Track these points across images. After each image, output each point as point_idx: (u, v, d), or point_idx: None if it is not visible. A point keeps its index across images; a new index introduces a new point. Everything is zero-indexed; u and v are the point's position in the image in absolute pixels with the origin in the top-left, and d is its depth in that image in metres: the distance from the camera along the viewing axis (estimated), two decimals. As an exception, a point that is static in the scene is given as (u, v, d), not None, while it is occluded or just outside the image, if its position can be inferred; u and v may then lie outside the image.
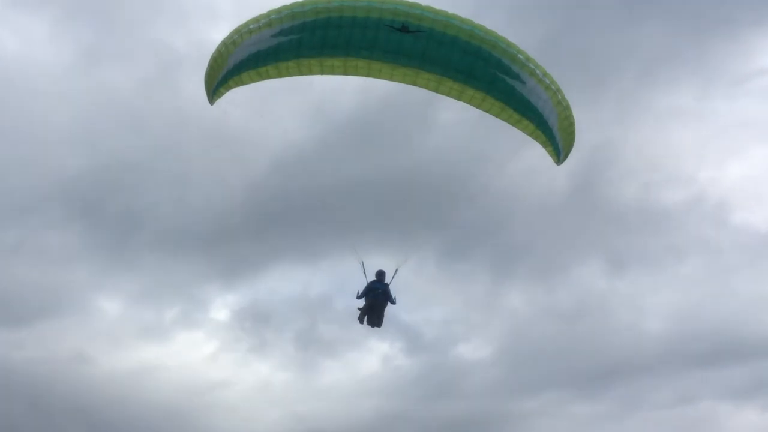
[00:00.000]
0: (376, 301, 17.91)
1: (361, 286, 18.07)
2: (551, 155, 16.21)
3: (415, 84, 15.29)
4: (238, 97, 16.08)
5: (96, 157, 45.72)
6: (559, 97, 15.27)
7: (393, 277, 17.96)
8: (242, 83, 16.29)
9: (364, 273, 17.96)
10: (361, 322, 18.17)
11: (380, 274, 18.10)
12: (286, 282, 50.49)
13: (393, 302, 18.10)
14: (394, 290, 18.21)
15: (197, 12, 49.28)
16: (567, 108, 15.48)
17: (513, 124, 15.42)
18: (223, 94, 16.73)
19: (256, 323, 47.15)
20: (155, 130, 44.70)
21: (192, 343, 48.15)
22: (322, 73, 15.41)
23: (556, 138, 15.64)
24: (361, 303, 18.11)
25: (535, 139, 15.78)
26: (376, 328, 18.28)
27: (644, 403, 44.59)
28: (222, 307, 50.35)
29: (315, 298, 49.37)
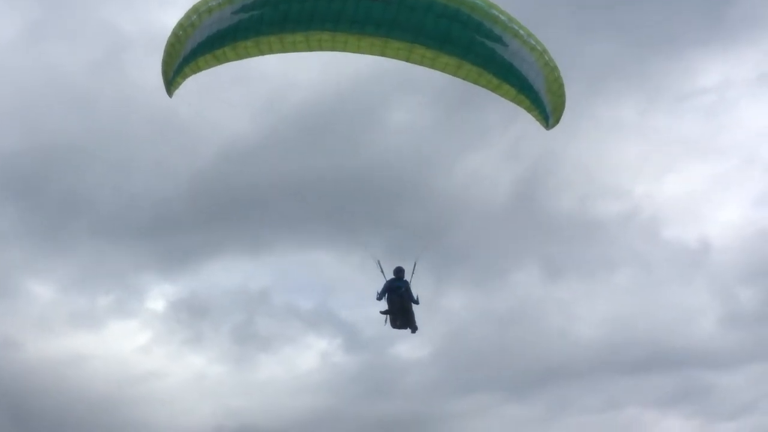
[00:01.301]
0: (398, 302, 16.66)
1: (379, 286, 16.85)
2: (539, 120, 15.16)
3: (383, 54, 14.27)
4: (188, 85, 15.56)
5: (36, 136, 44.23)
6: (546, 58, 14.28)
7: (413, 273, 16.74)
8: (199, 69, 15.15)
9: (382, 272, 16.80)
10: (394, 326, 16.86)
11: (399, 272, 16.85)
12: (226, 274, 49.93)
13: (416, 302, 16.80)
14: (414, 287, 16.92)
15: (148, -8, 48.41)
16: (555, 69, 14.51)
17: (492, 90, 14.42)
18: (180, 83, 15.59)
19: (192, 315, 46.47)
20: (100, 112, 43.56)
21: (125, 332, 47.14)
22: (283, 51, 14.44)
23: (544, 101, 14.64)
24: (383, 305, 16.81)
25: (519, 104, 14.75)
26: (409, 331, 16.97)
27: (573, 407, 45.90)
28: (158, 297, 49.38)
29: (254, 292, 49.04)
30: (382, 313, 16.82)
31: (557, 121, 15.32)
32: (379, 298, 16.77)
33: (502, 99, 14.69)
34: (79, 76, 44.45)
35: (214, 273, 50.02)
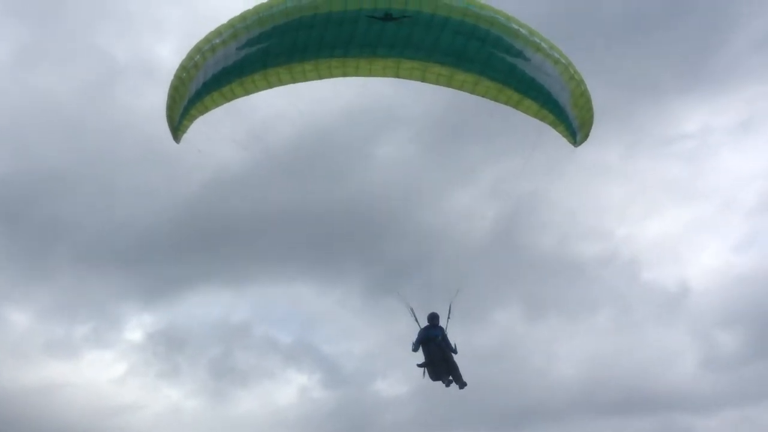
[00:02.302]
0: (437, 353, 15.08)
1: (414, 336, 15.32)
2: (565, 137, 14.26)
3: (396, 76, 13.59)
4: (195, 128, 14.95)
5: (21, 160, 43.91)
6: (572, 71, 13.42)
7: (448, 318, 15.23)
8: (206, 110, 14.43)
9: (416, 320, 15.33)
10: (436, 379, 15.20)
11: (433, 318, 15.30)
12: (206, 306, 49.42)
13: (454, 351, 15.20)
14: (451, 334, 15.30)
15: (144, 21, 48.54)
16: (581, 82, 13.62)
17: (513, 106, 13.70)
18: (188, 127, 14.71)
19: (170, 347, 45.75)
20: (87, 139, 43.45)
21: (102, 362, 46.42)
22: (292, 81, 13.78)
23: (569, 116, 13.77)
24: (420, 357, 15.26)
25: (542, 120, 13.94)
26: (456, 386, 15.27)
27: (549, 447, 45.66)
28: (137, 327, 48.67)
29: (234, 325, 48.56)
30: (420, 366, 15.23)
31: (585, 137, 14.37)
32: (415, 349, 15.19)
33: (524, 117, 14.03)
34: (67, 101, 44.43)
35: (194, 304, 49.56)
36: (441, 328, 15.23)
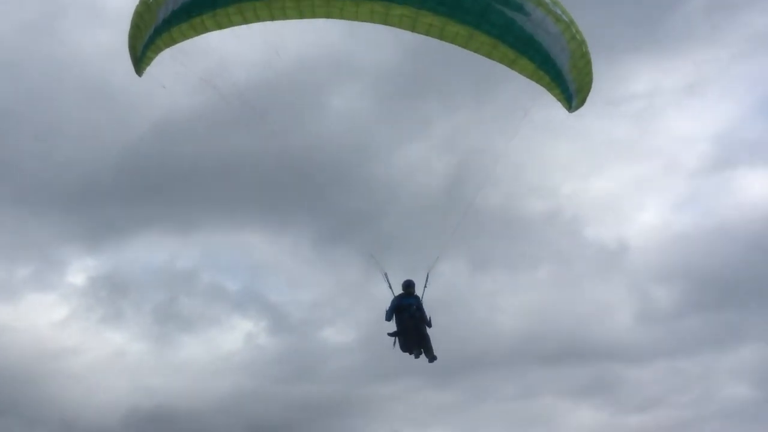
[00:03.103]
0: (410, 323, 14.24)
1: (387, 303, 14.52)
2: (561, 101, 13.46)
3: (384, 22, 12.55)
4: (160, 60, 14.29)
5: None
6: (574, 30, 12.56)
7: (425, 287, 14.41)
8: (173, 42, 13.36)
9: (390, 286, 14.50)
10: (405, 350, 14.42)
11: (408, 285, 14.49)
12: (152, 252, 48.81)
13: (429, 324, 14.39)
14: (427, 305, 14.43)
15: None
16: (583, 43, 12.80)
17: (508, 65, 12.85)
18: (152, 59, 13.79)
19: (113, 292, 45.36)
20: (27, 77, 41.85)
21: (43, 306, 45.67)
22: (272, 18, 12.74)
23: (567, 79, 12.96)
24: (392, 326, 14.51)
25: (538, 81, 13.09)
26: (425, 358, 14.47)
27: (490, 395, 47.31)
28: (80, 271, 47.88)
29: (180, 271, 48.20)
30: (391, 335, 14.43)
31: (582, 102, 13.59)
32: (388, 318, 14.41)
33: (516, 77, 13.03)
34: (8, 37, 42.57)
35: (139, 249, 48.86)
36: (416, 297, 14.40)
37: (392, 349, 14.41)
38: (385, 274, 14.47)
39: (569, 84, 13.12)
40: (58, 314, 45.77)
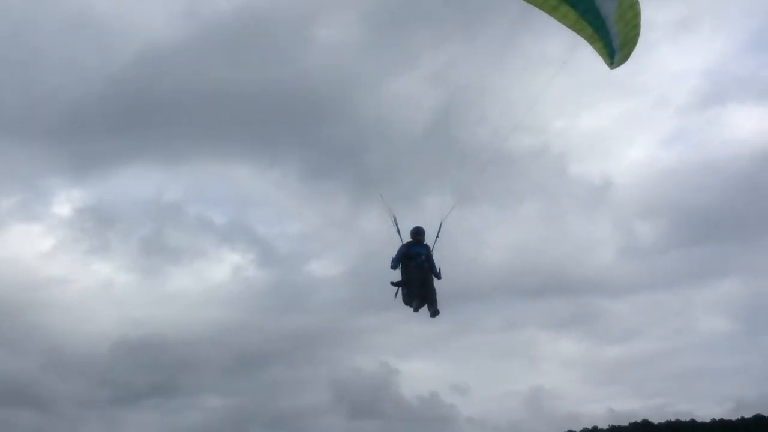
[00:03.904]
0: (417, 274, 12.93)
1: (394, 250, 13.20)
2: (602, 55, 12.18)
3: None
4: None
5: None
6: None
7: (437, 237, 13.12)
8: None
9: (398, 231, 13.17)
10: (408, 302, 13.04)
11: (418, 233, 13.25)
12: (138, 184, 49.00)
13: (437, 275, 13.12)
14: (438, 256, 13.13)
15: None
16: None
17: (548, 12, 11.68)
18: None
19: (100, 223, 45.63)
20: (8, 7, 40.85)
21: (29, 236, 45.89)
22: None
23: (611, 32, 11.66)
24: (397, 275, 13.18)
25: (579, 32, 11.87)
26: (427, 311, 13.10)
27: (475, 326, 48.64)
28: (65, 202, 48.16)
29: (167, 204, 48.33)
30: (394, 284, 13.11)
31: (625, 58, 12.21)
32: (394, 266, 13.14)
33: (558, 26, 11.79)
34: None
35: (125, 181, 49.06)
36: (426, 246, 13.21)
37: (393, 300, 13.13)
38: (394, 218, 13.17)
39: (613, 37, 11.71)
40: (45, 245, 46.33)
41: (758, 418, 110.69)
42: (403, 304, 13.08)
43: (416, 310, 12.97)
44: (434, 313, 13.03)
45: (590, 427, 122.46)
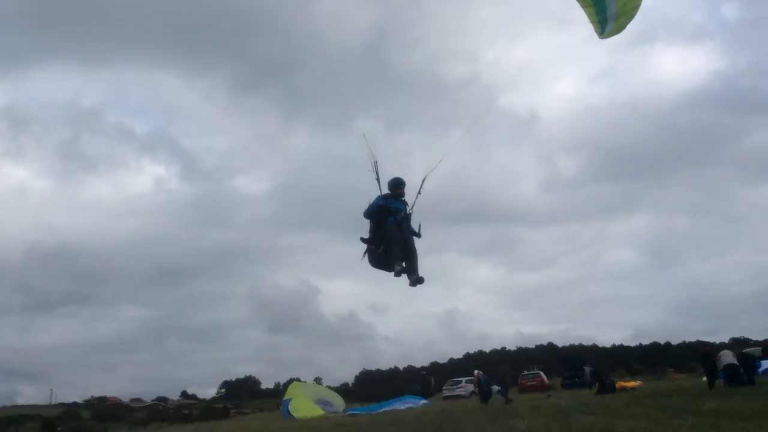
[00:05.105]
0: (395, 233, 11.13)
1: (367, 197, 11.41)
2: (592, 22, 10.91)
3: None
4: None
5: None
6: None
7: (419, 193, 11.37)
8: None
9: (377, 179, 11.31)
10: (376, 264, 11.27)
11: (397, 185, 11.46)
12: (55, 86, 46.50)
13: (417, 235, 11.43)
14: (417, 213, 11.46)
15: None
16: None
17: None
18: None
19: (14, 125, 43.44)
20: None
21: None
22: None
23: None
24: (365, 229, 11.48)
25: None
26: (405, 276, 11.13)
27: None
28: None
29: (86, 109, 46.19)
30: (364, 241, 11.38)
31: (620, 29, 10.86)
32: (367, 215, 11.40)
33: None
34: None
35: (41, 82, 46.43)
36: (406, 203, 11.53)
37: (360, 260, 11.36)
38: (375, 163, 11.29)
39: (608, 3, 10.50)
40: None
41: (654, 345, 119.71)
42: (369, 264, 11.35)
43: (398, 275, 11.12)
44: (415, 281, 11.18)
45: (499, 348, 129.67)
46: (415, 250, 11.32)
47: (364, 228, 11.38)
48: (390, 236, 11.10)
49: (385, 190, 11.45)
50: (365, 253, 11.36)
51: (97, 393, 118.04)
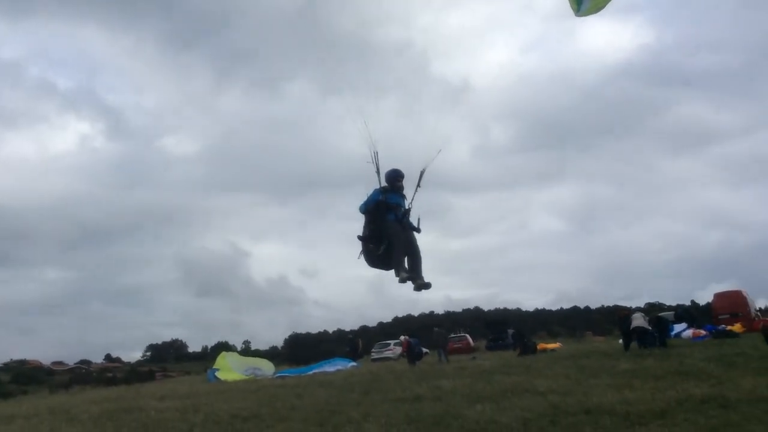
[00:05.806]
0: (395, 231, 10.18)
1: (369, 191, 10.38)
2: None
3: None
4: None
5: None
6: None
7: (418, 186, 10.38)
8: None
9: (377, 171, 10.29)
10: (376, 264, 10.35)
11: (395, 178, 10.46)
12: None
13: (417, 230, 10.45)
14: (415, 207, 10.51)
15: None
16: None
17: None
18: None
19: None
20: None
21: None
22: None
23: None
24: (360, 224, 10.49)
25: None
26: (409, 279, 10.11)
27: (329, 214, 49.71)
28: None
29: (4, 61, 43.68)
30: (362, 239, 10.38)
31: (597, 9, 10.08)
32: (363, 209, 10.40)
33: None
34: None
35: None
36: (404, 197, 10.57)
37: (356, 260, 10.40)
38: (375, 153, 10.27)
39: None
40: None
41: (574, 309, 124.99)
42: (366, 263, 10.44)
43: (403, 281, 10.13)
44: (420, 286, 10.21)
45: (428, 312, 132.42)
46: (419, 251, 10.44)
47: (359, 221, 10.30)
48: (393, 238, 10.16)
49: (384, 183, 10.42)
50: (362, 252, 10.40)
51: (17, 356, 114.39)
